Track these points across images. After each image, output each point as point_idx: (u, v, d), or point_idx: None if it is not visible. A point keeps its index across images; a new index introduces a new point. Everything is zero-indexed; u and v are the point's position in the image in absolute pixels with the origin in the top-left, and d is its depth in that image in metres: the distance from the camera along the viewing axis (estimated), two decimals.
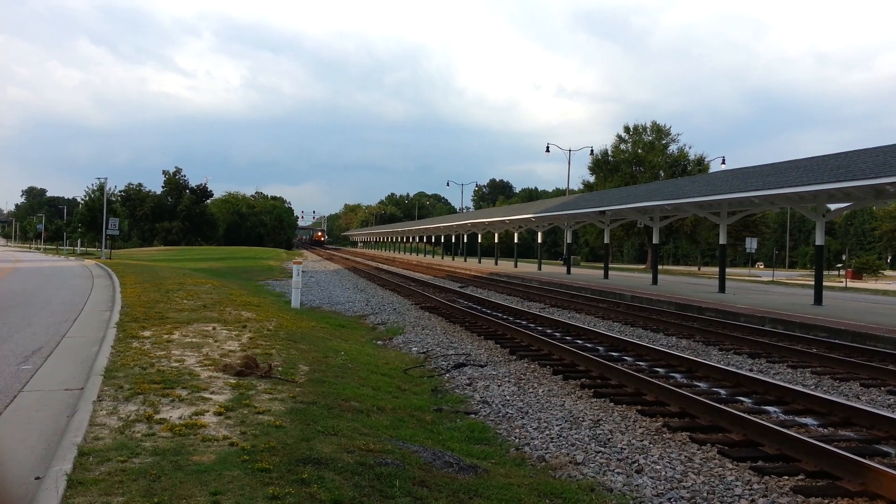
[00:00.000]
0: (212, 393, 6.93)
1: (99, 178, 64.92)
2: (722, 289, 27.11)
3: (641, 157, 74.54)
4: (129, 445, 5.10)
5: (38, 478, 4.47)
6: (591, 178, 78.68)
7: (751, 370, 10.86)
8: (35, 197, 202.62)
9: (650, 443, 6.67)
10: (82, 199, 69.17)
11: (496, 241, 59.28)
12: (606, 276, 37.29)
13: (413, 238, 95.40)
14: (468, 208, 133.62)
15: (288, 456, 5.02)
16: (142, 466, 4.64)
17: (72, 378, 7.80)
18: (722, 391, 8.99)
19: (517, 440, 6.85)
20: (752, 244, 48.19)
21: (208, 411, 6.19)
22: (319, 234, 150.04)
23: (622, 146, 76.99)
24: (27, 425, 5.94)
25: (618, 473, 5.82)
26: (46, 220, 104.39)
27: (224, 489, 4.30)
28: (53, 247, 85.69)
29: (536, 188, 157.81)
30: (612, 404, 8.20)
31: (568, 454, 6.33)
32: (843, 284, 45.12)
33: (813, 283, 23.61)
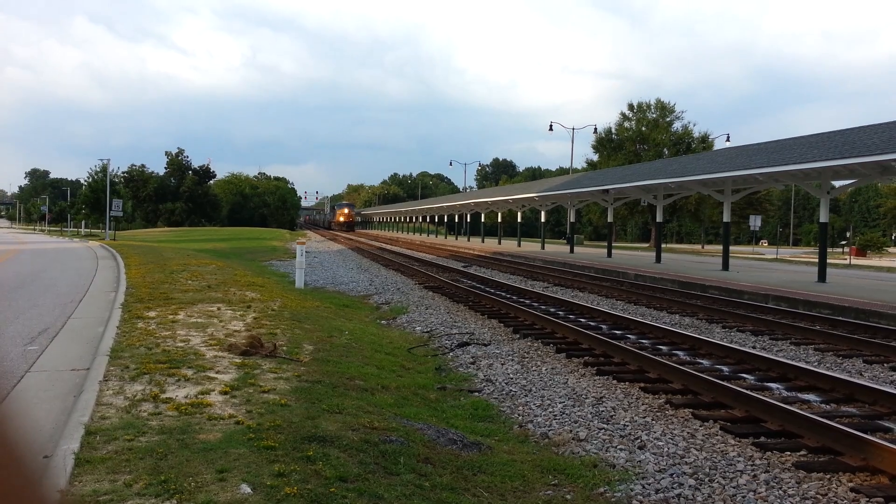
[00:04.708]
0: (217, 372, 6.98)
1: (102, 160, 64.86)
2: (725, 267, 27.07)
3: (645, 135, 74.05)
4: (136, 424, 5.14)
5: (46, 456, 4.52)
6: (595, 157, 78.24)
7: (754, 347, 10.87)
8: (38, 179, 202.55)
9: (653, 419, 6.70)
10: (85, 181, 69.17)
11: (499, 220, 59.11)
12: (610, 254, 37.24)
13: (416, 218, 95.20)
14: (471, 188, 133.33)
15: (293, 434, 5.06)
16: (148, 445, 4.69)
17: (78, 358, 7.85)
18: (725, 368, 9.02)
19: (520, 417, 6.89)
20: (755, 222, 47.93)
21: (214, 390, 6.24)
22: (346, 211, 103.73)
23: (626, 124, 76.41)
24: (35, 405, 5.99)
25: (620, 450, 5.86)
26: (50, 202, 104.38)
27: (230, 467, 4.34)
28: (57, 229, 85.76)
29: (540, 167, 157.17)
30: (615, 382, 8.23)
31: (571, 431, 6.37)
32: (847, 262, 45.00)
33: (817, 260, 23.56)
